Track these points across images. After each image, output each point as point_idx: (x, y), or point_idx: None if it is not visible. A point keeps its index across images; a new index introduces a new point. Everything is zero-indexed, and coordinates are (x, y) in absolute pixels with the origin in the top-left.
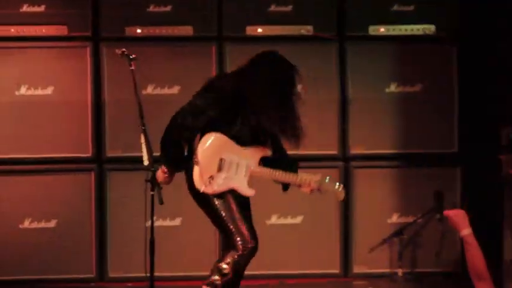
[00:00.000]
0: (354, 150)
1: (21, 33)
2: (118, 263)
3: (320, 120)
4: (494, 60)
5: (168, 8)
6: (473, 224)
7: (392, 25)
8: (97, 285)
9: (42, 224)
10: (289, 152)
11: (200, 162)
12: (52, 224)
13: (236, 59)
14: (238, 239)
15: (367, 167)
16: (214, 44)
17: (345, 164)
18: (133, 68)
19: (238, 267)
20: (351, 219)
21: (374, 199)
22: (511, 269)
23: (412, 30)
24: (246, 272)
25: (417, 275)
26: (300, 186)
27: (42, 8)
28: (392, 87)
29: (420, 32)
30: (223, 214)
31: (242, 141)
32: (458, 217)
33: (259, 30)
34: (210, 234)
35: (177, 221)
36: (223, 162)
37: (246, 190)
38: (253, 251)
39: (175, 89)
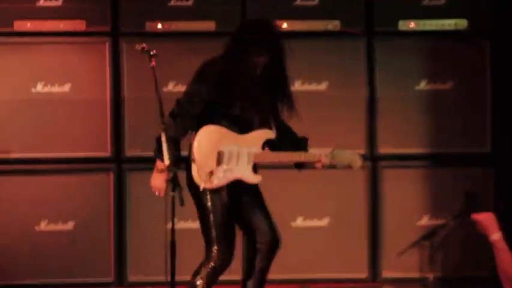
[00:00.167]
0: (383, 150)
1: (38, 28)
2: (138, 266)
3: (347, 119)
4: None
5: (190, 2)
6: (507, 227)
7: (422, 20)
8: None
9: (59, 226)
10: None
11: (196, 159)
12: (69, 226)
13: None
14: (216, 248)
15: (396, 167)
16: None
17: (373, 163)
18: (153, 64)
19: (212, 281)
20: (380, 222)
21: (403, 200)
22: None
23: (443, 25)
24: (270, 277)
25: (449, 279)
26: (312, 163)
27: (59, 2)
28: (422, 85)
29: (452, 27)
30: (212, 218)
31: (243, 126)
32: (488, 221)
33: (284, 25)
34: None
35: (196, 224)
36: (221, 155)
37: (250, 177)
38: (226, 263)
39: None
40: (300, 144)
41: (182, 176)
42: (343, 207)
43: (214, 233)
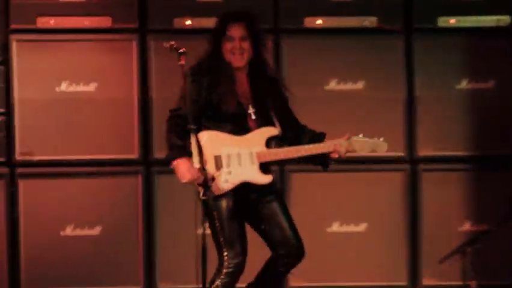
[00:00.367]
0: (422, 152)
1: (62, 25)
2: (167, 273)
3: (384, 120)
4: None
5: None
6: None
7: (463, 16)
8: None
9: (86, 231)
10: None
11: (195, 166)
12: (96, 231)
13: (294, 53)
14: (226, 253)
15: (437, 170)
16: (270, 37)
17: (412, 166)
18: (182, 62)
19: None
20: (419, 227)
21: (444, 205)
22: None
23: (485, 21)
24: (306, 284)
25: (491, 287)
26: (328, 153)
27: None
28: (463, 84)
29: (494, 24)
30: (217, 224)
31: (244, 127)
32: None
33: (319, 21)
34: (261, 245)
35: None
36: (219, 159)
37: (258, 178)
38: (239, 268)
39: None
40: (318, 139)
41: None
42: (381, 212)
43: (222, 239)
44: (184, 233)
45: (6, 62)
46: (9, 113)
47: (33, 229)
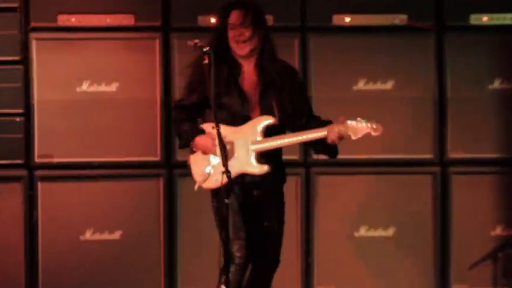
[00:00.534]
0: (453, 154)
1: (83, 23)
2: (189, 278)
3: (413, 120)
4: None
5: None
6: None
7: (496, 13)
8: None
9: (106, 236)
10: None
11: (192, 159)
12: (116, 235)
13: (321, 52)
14: (226, 248)
15: (467, 173)
16: (297, 36)
17: (442, 169)
18: (206, 61)
19: (236, 282)
20: (449, 232)
21: (475, 209)
22: None
23: None
24: None
25: None
26: (326, 138)
27: None
28: (496, 84)
29: None
30: (216, 219)
31: (243, 117)
32: None
33: (347, 19)
34: (292, 246)
35: None
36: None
37: (255, 169)
38: (241, 261)
39: None
40: (322, 125)
41: None
42: (410, 216)
43: (223, 234)
44: (206, 238)
45: (26, 61)
46: (28, 114)
47: (52, 233)
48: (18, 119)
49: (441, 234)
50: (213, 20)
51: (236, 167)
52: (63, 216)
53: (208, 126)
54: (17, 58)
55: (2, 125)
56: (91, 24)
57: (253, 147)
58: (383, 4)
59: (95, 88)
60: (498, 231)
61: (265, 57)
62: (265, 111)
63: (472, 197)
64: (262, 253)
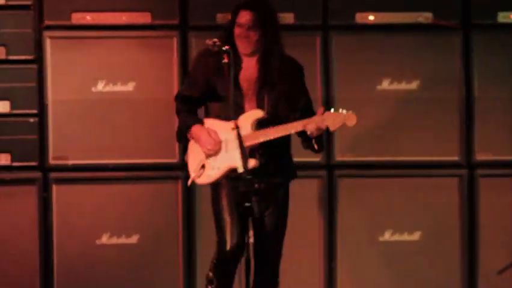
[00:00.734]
0: (481, 156)
1: (98, 21)
2: None
3: (440, 121)
4: None
5: None
6: None
7: None
8: None
9: (123, 240)
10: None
11: (189, 154)
12: (133, 239)
13: (344, 51)
14: (217, 239)
15: (495, 175)
16: (319, 34)
17: (469, 171)
18: (226, 61)
19: (219, 273)
20: (477, 236)
21: (503, 212)
22: None
23: None
24: None
25: None
26: (307, 130)
27: None
28: None
29: None
30: (212, 208)
31: (237, 110)
32: None
33: (371, 17)
34: (315, 250)
35: None
36: None
37: (243, 163)
38: (226, 255)
39: None
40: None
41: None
42: (436, 220)
43: (216, 224)
44: None
45: (40, 60)
46: (42, 115)
47: (67, 237)
48: (32, 120)
49: (469, 239)
50: None
51: (228, 161)
52: (78, 220)
53: (209, 121)
54: (30, 57)
55: (15, 126)
56: (107, 22)
57: (245, 141)
58: (407, 2)
59: (111, 88)
60: None
61: (268, 55)
62: (260, 106)
63: (499, 200)
64: (261, 258)
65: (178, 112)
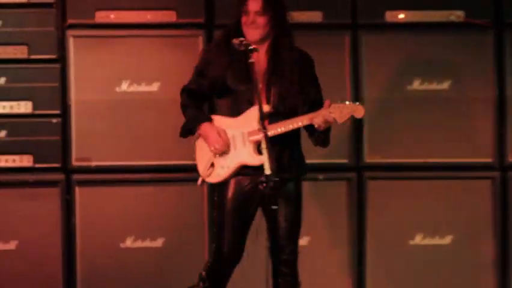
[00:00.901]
0: None
1: (122, 20)
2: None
3: (472, 122)
4: None
5: None
6: None
7: None
8: None
9: (147, 243)
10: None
11: (197, 152)
12: (158, 243)
13: (373, 50)
14: (214, 245)
15: None
16: (348, 33)
17: (502, 174)
18: (252, 60)
19: (212, 277)
20: (510, 240)
21: None
22: None
23: None
24: None
25: None
26: (315, 124)
27: None
28: None
29: None
30: (214, 214)
31: (244, 105)
32: None
33: (401, 16)
34: (343, 255)
35: (305, 240)
36: None
37: (250, 160)
38: (219, 264)
39: None
40: None
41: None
42: (468, 223)
43: (216, 227)
44: (251, 245)
45: (63, 60)
46: (65, 115)
47: (90, 240)
48: (55, 121)
49: (502, 243)
50: None
51: (237, 158)
52: (102, 223)
53: (215, 118)
54: (53, 56)
55: (38, 127)
56: (131, 20)
57: (249, 137)
58: (439, 0)
59: (135, 88)
60: None
61: (278, 45)
62: (268, 99)
63: None
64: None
65: (184, 106)
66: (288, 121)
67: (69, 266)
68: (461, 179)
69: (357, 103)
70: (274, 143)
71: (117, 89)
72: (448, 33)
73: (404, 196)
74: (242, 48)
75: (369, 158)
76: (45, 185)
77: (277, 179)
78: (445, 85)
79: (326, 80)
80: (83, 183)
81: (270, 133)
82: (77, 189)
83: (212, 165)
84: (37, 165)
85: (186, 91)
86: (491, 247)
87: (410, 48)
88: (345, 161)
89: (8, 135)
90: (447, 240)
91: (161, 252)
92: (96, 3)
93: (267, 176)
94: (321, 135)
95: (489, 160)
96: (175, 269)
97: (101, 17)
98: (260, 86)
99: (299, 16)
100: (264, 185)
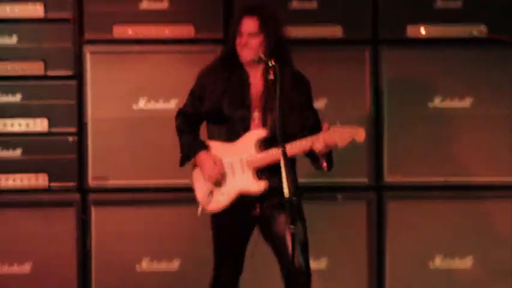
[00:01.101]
0: None
1: (140, 35)
2: None
3: (494, 140)
4: None
5: (314, 5)
6: None
7: None
8: None
9: (163, 265)
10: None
11: (195, 181)
12: (175, 264)
13: (394, 66)
14: (213, 267)
15: None
16: (368, 49)
17: None
18: (272, 77)
19: None
20: None
21: None
22: None
23: None
24: None
25: None
26: (315, 149)
27: (165, 4)
28: None
29: None
30: (212, 239)
31: (240, 130)
32: None
33: (423, 31)
34: (362, 277)
35: (323, 262)
36: None
37: (251, 187)
38: (224, 284)
39: (322, 103)
40: None
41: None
42: (490, 245)
43: (214, 249)
44: (269, 265)
45: (79, 76)
46: (81, 133)
47: (106, 261)
48: (71, 139)
49: None
50: None
51: (236, 186)
52: (118, 243)
53: (213, 144)
54: (70, 73)
55: (53, 145)
56: (149, 36)
57: (248, 164)
58: (461, 14)
59: (152, 105)
60: None
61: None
62: (265, 124)
63: None
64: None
65: (179, 131)
66: (288, 147)
67: None
68: (484, 199)
69: (358, 126)
70: (272, 167)
71: (134, 106)
72: (470, 48)
73: (423, 216)
74: (261, 64)
75: (389, 177)
76: (60, 204)
77: (295, 198)
78: (467, 102)
79: (345, 96)
80: (99, 203)
81: (270, 160)
82: (93, 209)
83: (211, 193)
84: (52, 185)
85: (182, 114)
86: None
87: (431, 64)
88: (364, 180)
89: (23, 153)
90: (467, 262)
91: (178, 274)
92: (114, 18)
93: (287, 195)
94: (324, 160)
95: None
96: None
97: (119, 32)
98: (257, 109)
99: (319, 31)
100: (258, 211)
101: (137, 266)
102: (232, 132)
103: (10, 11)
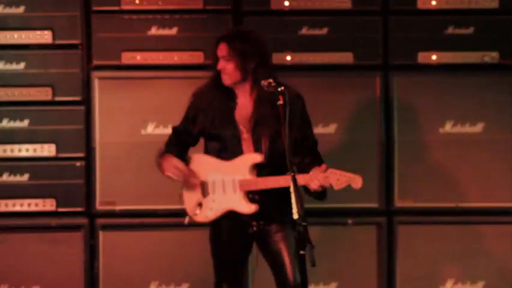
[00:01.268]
0: None
1: (149, 61)
2: None
3: (507, 165)
4: None
5: (324, 31)
6: None
7: None
8: None
9: None
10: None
11: (183, 190)
12: None
13: (405, 92)
14: (214, 280)
15: None
16: (379, 74)
17: None
18: (281, 102)
19: None
20: None
21: None
22: None
23: None
24: None
25: None
26: (309, 187)
27: (173, 31)
28: None
29: None
30: (211, 253)
31: (233, 151)
32: None
33: (434, 57)
34: None
35: (332, 286)
36: (205, 185)
37: (241, 207)
38: None
39: (332, 128)
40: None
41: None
42: (500, 269)
43: (213, 263)
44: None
45: (87, 102)
46: (89, 158)
47: (114, 286)
48: (78, 164)
49: None
50: (288, 58)
51: (225, 204)
52: (126, 268)
53: (196, 156)
54: (78, 98)
55: (61, 170)
56: (157, 62)
57: (240, 186)
58: (472, 41)
59: (161, 130)
60: None
61: (261, 88)
62: (257, 147)
63: None
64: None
65: (166, 143)
66: (282, 178)
67: None
68: (494, 224)
69: (356, 174)
70: (263, 191)
71: (142, 132)
72: (481, 74)
73: (434, 241)
74: (271, 89)
75: (399, 202)
76: (68, 229)
77: (305, 223)
78: (478, 128)
79: (356, 122)
80: (107, 227)
81: (262, 186)
82: (100, 234)
83: (200, 204)
84: (60, 209)
85: (174, 130)
86: None
87: (442, 89)
88: (375, 205)
89: (30, 178)
90: (479, 286)
91: None
92: (122, 44)
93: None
94: (317, 194)
95: None
96: None
97: (128, 58)
98: (246, 131)
99: (330, 57)
100: (254, 228)
101: None
102: (226, 150)
103: (18, 37)
